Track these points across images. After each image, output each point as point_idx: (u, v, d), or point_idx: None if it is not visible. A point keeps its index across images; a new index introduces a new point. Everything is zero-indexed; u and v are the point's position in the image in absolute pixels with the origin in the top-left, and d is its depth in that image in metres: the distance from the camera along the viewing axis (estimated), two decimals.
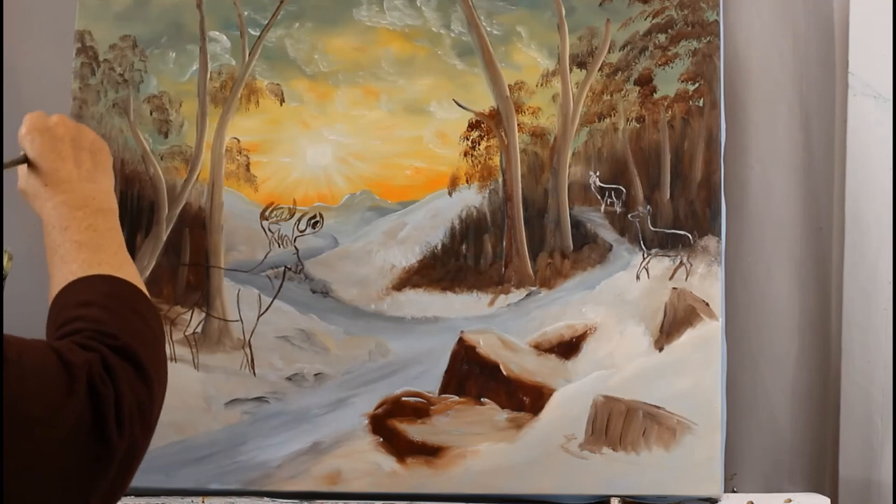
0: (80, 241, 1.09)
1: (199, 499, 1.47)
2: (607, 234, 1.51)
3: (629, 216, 1.51)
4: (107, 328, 0.99)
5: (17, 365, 0.90)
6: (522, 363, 1.50)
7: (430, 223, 1.53)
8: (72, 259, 1.08)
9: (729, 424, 1.48)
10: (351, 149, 1.53)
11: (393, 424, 1.49)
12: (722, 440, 1.46)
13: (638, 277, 1.50)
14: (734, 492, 1.53)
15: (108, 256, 1.09)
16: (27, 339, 0.94)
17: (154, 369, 1.00)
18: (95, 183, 1.17)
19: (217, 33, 1.55)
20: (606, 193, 1.52)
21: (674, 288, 1.49)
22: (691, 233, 1.50)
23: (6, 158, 1.18)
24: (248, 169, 1.53)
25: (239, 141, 1.54)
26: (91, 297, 1.04)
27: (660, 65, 1.52)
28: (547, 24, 1.53)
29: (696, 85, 1.51)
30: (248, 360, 1.51)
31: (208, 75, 1.54)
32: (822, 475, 1.63)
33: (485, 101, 1.53)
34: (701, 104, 1.51)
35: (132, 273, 1.10)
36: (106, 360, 0.95)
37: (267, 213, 1.53)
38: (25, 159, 1.16)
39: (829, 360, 1.63)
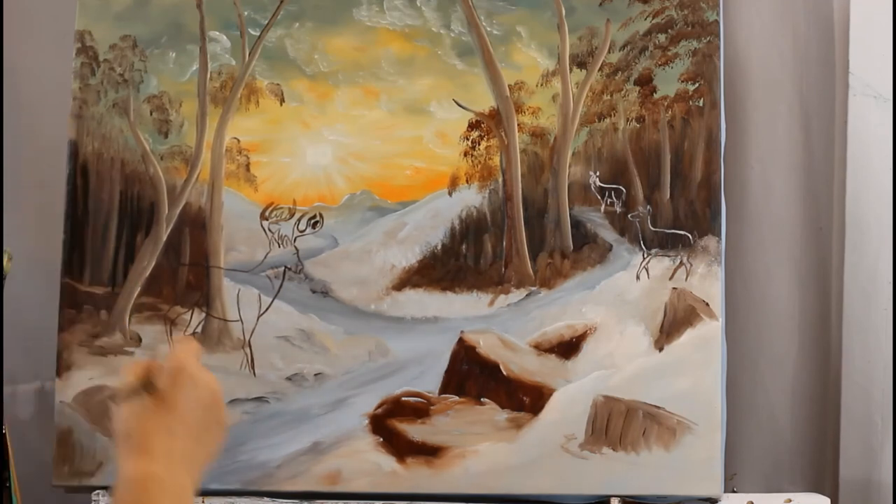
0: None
1: (199, 499, 1.47)
2: (607, 234, 1.51)
3: (629, 216, 1.51)
4: None
5: None
6: (522, 363, 1.50)
7: (430, 223, 1.53)
8: None
9: (729, 424, 1.48)
10: (351, 149, 1.53)
11: (393, 424, 1.49)
12: (722, 440, 1.46)
13: (638, 277, 1.50)
14: (734, 492, 1.53)
15: None
16: None
17: None
18: (192, 474, 0.99)
19: (217, 33, 1.55)
20: (606, 193, 1.52)
21: (674, 288, 1.49)
22: (691, 233, 1.50)
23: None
24: (248, 169, 1.53)
25: (239, 141, 1.54)
26: None
27: (660, 65, 1.52)
28: (547, 24, 1.53)
29: (696, 85, 1.51)
30: (248, 360, 1.51)
31: (208, 75, 1.54)
32: (822, 475, 1.63)
33: (485, 101, 1.53)
34: (701, 104, 1.51)
35: None
36: None
37: (267, 213, 1.53)
38: (150, 389, 0.99)
39: (829, 360, 1.63)
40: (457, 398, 1.50)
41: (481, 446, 1.48)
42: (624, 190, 1.51)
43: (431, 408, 1.49)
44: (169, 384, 0.99)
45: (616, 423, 1.47)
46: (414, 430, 1.49)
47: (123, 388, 1.00)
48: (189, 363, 1.01)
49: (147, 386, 0.99)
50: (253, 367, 1.51)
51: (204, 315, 1.52)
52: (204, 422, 1.01)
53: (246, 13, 1.54)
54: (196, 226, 1.53)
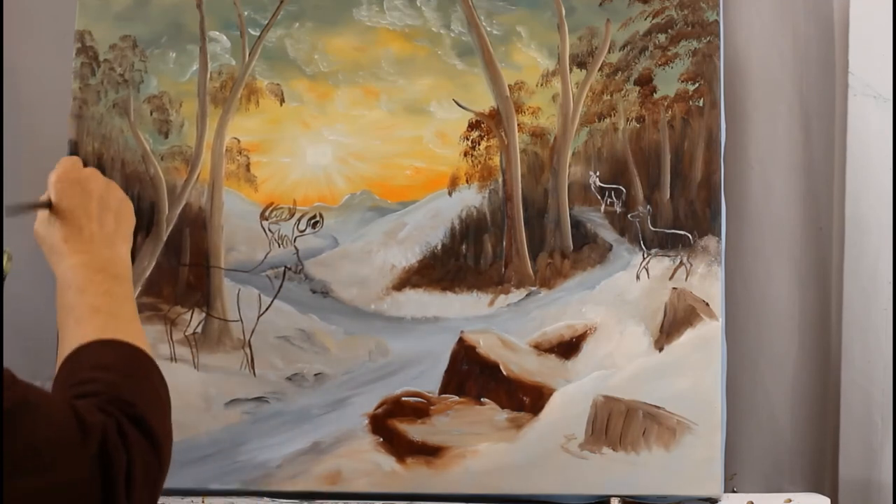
0: (96, 306, 1.09)
1: (199, 499, 1.47)
2: (607, 234, 1.51)
3: (629, 216, 1.51)
4: (124, 395, 0.99)
5: (34, 409, 0.90)
6: (522, 363, 1.50)
7: (430, 223, 1.53)
8: (87, 322, 1.07)
9: (729, 424, 1.48)
10: (351, 149, 1.53)
11: (393, 424, 1.49)
12: (722, 440, 1.46)
13: (638, 277, 1.50)
14: (734, 492, 1.53)
15: (124, 324, 1.09)
16: (45, 391, 0.95)
17: (165, 442, 1.00)
18: (114, 248, 1.16)
19: (217, 33, 1.55)
20: (606, 193, 1.52)
21: (674, 288, 1.49)
22: (691, 233, 1.50)
23: (24, 199, 1.18)
24: (248, 169, 1.53)
25: (239, 141, 1.54)
26: (108, 361, 1.03)
27: (660, 65, 1.52)
28: (547, 24, 1.53)
29: (696, 85, 1.51)
30: (248, 360, 1.51)
31: (208, 75, 1.54)
32: (822, 475, 1.63)
33: (485, 101, 1.53)
34: (701, 104, 1.51)
35: (145, 343, 1.09)
36: (121, 426, 0.95)
37: (267, 214, 1.53)
38: (49, 205, 1.15)
39: (829, 360, 1.63)
40: (457, 398, 1.50)
41: (481, 446, 1.48)
42: (624, 190, 1.51)
43: (431, 408, 1.49)
44: (57, 195, 1.15)
45: (616, 423, 1.47)
46: (414, 430, 1.49)
47: (24, 207, 1.16)
48: (64, 171, 1.17)
49: (43, 205, 1.15)
50: (253, 367, 1.51)
51: (204, 315, 1.52)
52: (105, 204, 1.17)
53: (246, 13, 1.54)
54: (196, 226, 1.53)
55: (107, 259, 1.14)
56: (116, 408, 0.97)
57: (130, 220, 1.22)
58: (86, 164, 1.51)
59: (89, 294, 1.10)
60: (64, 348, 1.07)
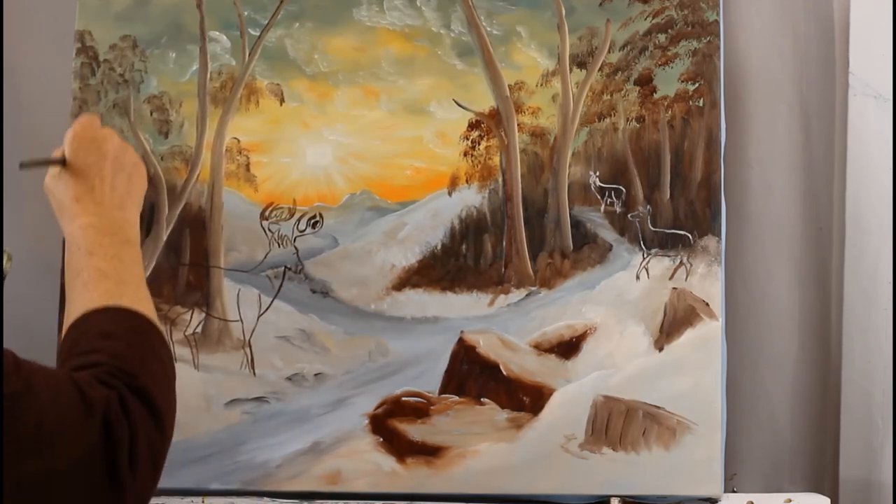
0: (104, 270, 1.08)
1: (199, 499, 1.47)
2: (607, 234, 1.51)
3: (629, 216, 1.51)
4: (127, 366, 0.98)
5: (38, 394, 0.90)
6: (522, 363, 1.50)
7: (430, 223, 1.53)
8: (94, 287, 1.06)
9: (729, 424, 1.48)
10: (351, 149, 1.53)
11: (393, 424, 1.49)
12: (722, 440, 1.46)
13: (638, 277, 1.50)
14: (734, 492, 1.53)
15: (131, 290, 1.08)
16: (46, 367, 0.95)
17: (168, 413, 1.00)
18: (124, 211, 1.15)
19: (217, 33, 1.55)
20: (606, 193, 1.52)
21: (674, 288, 1.49)
22: (691, 233, 1.50)
23: (33, 156, 1.16)
24: (248, 169, 1.53)
25: (239, 141, 1.54)
26: (113, 329, 1.03)
27: (660, 65, 1.52)
28: (547, 24, 1.53)
29: (696, 85, 1.51)
30: (248, 360, 1.51)
31: (208, 75, 1.54)
32: (822, 475, 1.63)
33: (485, 101, 1.53)
34: (701, 104, 1.51)
35: (151, 310, 1.09)
36: (124, 399, 0.95)
37: (267, 213, 1.53)
38: (63, 161, 1.14)
39: (829, 360, 1.63)
40: (457, 398, 1.50)
41: (481, 446, 1.48)
42: (624, 190, 1.51)
43: (431, 408, 1.49)
44: (72, 152, 1.13)
45: (616, 423, 1.47)
46: (414, 430, 1.49)
47: (37, 162, 1.14)
48: (82, 129, 1.15)
49: (56, 161, 1.13)
50: (253, 367, 1.51)
51: (204, 315, 1.52)
52: (118, 166, 1.15)
53: (246, 13, 1.54)
54: (196, 226, 1.53)
55: (117, 222, 1.12)
56: (119, 380, 0.96)
57: (143, 184, 1.21)
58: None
59: (97, 257, 1.08)
60: (70, 312, 1.06)
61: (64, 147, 1.15)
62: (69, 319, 1.06)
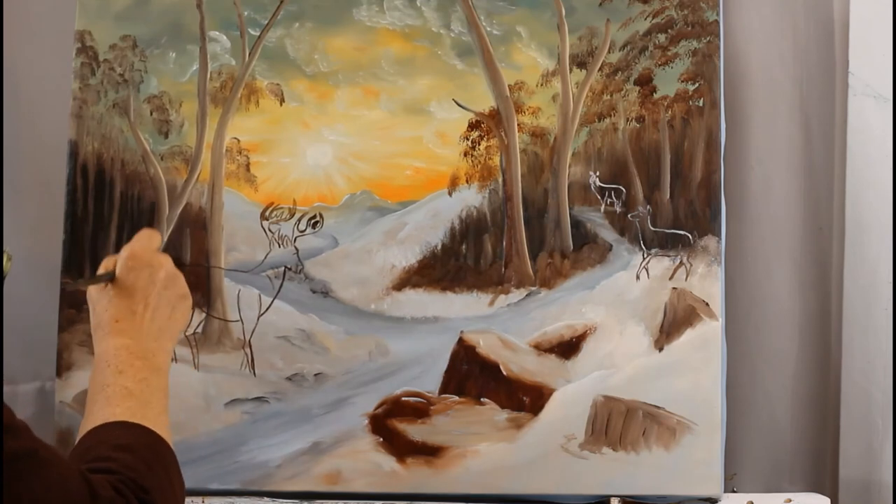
0: (130, 389, 1.08)
1: (199, 499, 1.47)
2: (607, 234, 1.51)
3: (629, 216, 1.51)
4: (140, 480, 0.98)
5: (45, 465, 0.89)
6: (522, 363, 1.50)
7: (430, 223, 1.53)
8: (117, 403, 1.07)
9: (729, 424, 1.48)
10: (351, 149, 1.54)
11: (393, 424, 1.49)
12: (722, 440, 1.46)
13: (638, 277, 1.50)
14: (734, 492, 1.53)
15: (153, 414, 1.08)
16: (59, 452, 0.94)
17: None
18: (160, 341, 1.14)
19: (217, 33, 1.55)
20: (606, 193, 1.52)
21: (674, 288, 1.49)
22: (691, 233, 1.50)
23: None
24: (248, 169, 1.53)
25: (239, 141, 1.54)
26: (131, 443, 1.03)
27: (660, 65, 1.52)
28: (547, 24, 1.53)
29: (696, 85, 1.51)
30: (248, 360, 1.51)
31: (208, 75, 1.54)
32: (822, 475, 1.63)
33: (485, 101, 1.53)
34: (701, 104, 1.51)
35: (169, 438, 1.09)
36: None
37: (267, 214, 1.53)
38: (112, 277, 1.13)
39: (829, 360, 1.63)
40: (457, 398, 1.50)
41: (481, 446, 1.48)
42: (624, 190, 1.51)
43: (431, 408, 1.50)
44: (124, 271, 1.13)
45: (616, 423, 1.47)
46: (414, 430, 1.49)
47: (88, 282, 1.14)
48: (140, 250, 1.15)
49: (105, 277, 1.12)
50: (253, 367, 1.51)
51: (204, 315, 1.52)
52: (164, 297, 1.15)
53: (246, 13, 1.54)
54: (196, 226, 1.53)
55: (151, 349, 1.12)
56: (131, 490, 0.96)
57: (185, 319, 1.20)
58: (85, 166, 1.52)
59: (126, 376, 1.09)
60: (88, 423, 1.06)
61: (117, 262, 1.14)
62: (86, 427, 1.06)
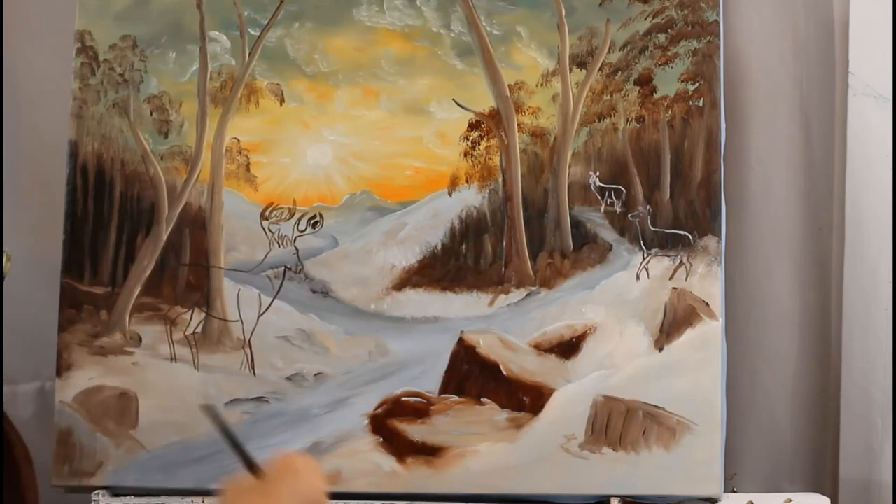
0: None
1: (199, 499, 1.47)
2: (607, 234, 1.51)
3: (629, 216, 1.51)
4: None
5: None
6: (522, 363, 1.50)
7: (430, 223, 1.53)
8: None
9: (729, 424, 1.48)
10: (351, 149, 1.54)
11: (393, 424, 1.49)
12: (722, 440, 1.46)
13: (638, 277, 1.50)
14: (734, 492, 1.53)
15: None
16: None
17: None
18: None
19: (217, 33, 1.55)
20: (606, 193, 1.52)
21: (674, 288, 1.49)
22: (691, 233, 1.50)
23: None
24: (248, 169, 1.53)
25: (239, 141, 1.54)
26: None
27: (660, 65, 1.52)
28: (547, 24, 1.53)
29: (696, 85, 1.51)
30: (248, 360, 1.51)
31: (208, 75, 1.54)
32: (822, 475, 1.63)
33: (485, 101, 1.53)
34: (701, 104, 1.51)
35: None
36: None
37: (267, 214, 1.53)
38: (257, 472, 1.06)
39: (829, 360, 1.63)
40: (457, 398, 1.50)
41: (481, 446, 1.48)
42: (624, 190, 1.51)
43: (431, 408, 1.50)
44: (273, 473, 1.05)
45: (616, 423, 1.48)
46: (414, 430, 1.49)
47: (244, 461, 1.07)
48: (299, 464, 1.07)
49: (255, 469, 1.06)
50: (253, 367, 1.51)
51: (204, 315, 1.52)
52: None
53: (246, 13, 1.54)
54: (196, 226, 1.53)
55: None
56: None
57: None
58: (85, 166, 1.52)
59: None
60: None
61: (276, 468, 1.06)
62: None
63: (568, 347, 1.50)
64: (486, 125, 1.53)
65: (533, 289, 1.51)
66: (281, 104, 1.54)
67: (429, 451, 1.48)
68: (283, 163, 1.53)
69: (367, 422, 1.50)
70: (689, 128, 1.51)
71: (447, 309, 1.51)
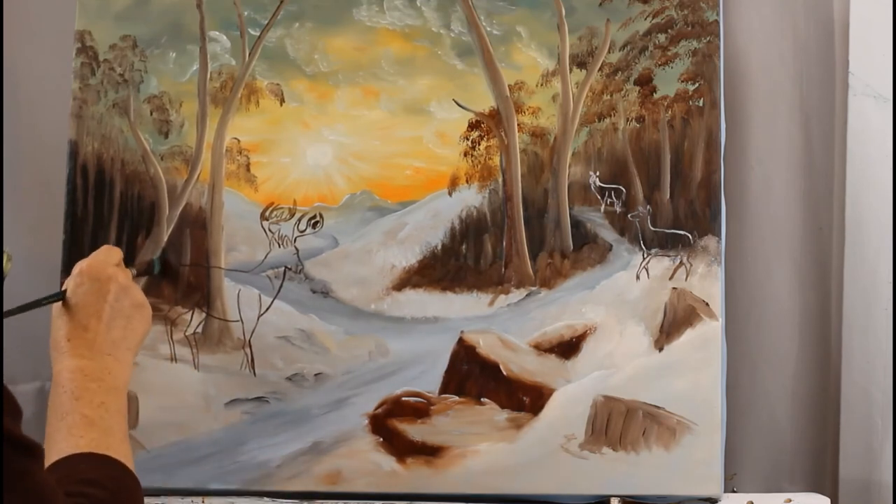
0: (90, 418, 1.07)
1: (199, 499, 1.47)
2: (607, 234, 1.51)
3: (629, 216, 1.51)
4: None
5: (36, 460, 0.89)
6: (522, 363, 1.50)
7: (430, 223, 1.53)
8: (80, 434, 1.06)
9: (729, 424, 1.48)
10: (351, 149, 1.54)
11: (393, 424, 1.49)
12: (722, 440, 1.46)
13: (638, 277, 1.50)
14: (734, 492, 1.53)
15: (116, 443, 1.08)
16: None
17: None
18: (115, 356, 1.14)
19: (217, 33, 1.55)
20: (606, 193, 1.52)
21: (674, 288, 1.49)
22: (691, 233, 1.50)
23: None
24: (248, 169, 1.53)
25: (239, 141, 1.54)
26: (99, 477, 1.02)
27: (660, 65, 1.52)
28: (547, 24, 1.53)
29: (696, 85, 1.51)
30: (248, 360, 1.51)
31: (208, 75, 1.54)
32: (822, 475, 1.63)
33: (485, 101, 1.53)
34: (701, 104, 1.51)
35: (131, 462, 1.08)
36: None
37: (267, 214, 1.53)
38: (62, 297, 1.12)
39: (829, 360, 1.63)
40: (457, 398, 1.50)
41: (481, 446, 1.48)
42: (624, 190, 1.51)
43: (431, 408, 1.50)
44: (74, 287, 1.13)
45: (616, 423, 1.48)
46: (414, 430, 1.49)
47: (34, 304, 1.14)
48: (90, 266, 1.16)
49: (53, 297, 1.13)
50: (253, 367, 1.51)
51: (204, 315, 1.52)
52: (117, 309, 1.14)
53: (246, 13, 1.54)
54: (196, 226, 1.53)
55: (106, 367, 1.12)
56: None
57: (143, 329, 1.20)
58: (85, 166, 1.52)
59: (83, 402, 1.08)
60: (52, 453, 1.05)
61: (68, 280, 1.15)
62: (50, 458, 1.04)
63: (568, 347, 1.50)
64: (486, 125, 1.53)
65: (533, 289, 1.51)
66: (281, 104, 1.54)
67: (429, 451, 1.48)
68: (284, 163, 1.53)
69: (367, 422, 1.50)
70: (689, 128, 1.51)
71: (447, 309, 1.51)
